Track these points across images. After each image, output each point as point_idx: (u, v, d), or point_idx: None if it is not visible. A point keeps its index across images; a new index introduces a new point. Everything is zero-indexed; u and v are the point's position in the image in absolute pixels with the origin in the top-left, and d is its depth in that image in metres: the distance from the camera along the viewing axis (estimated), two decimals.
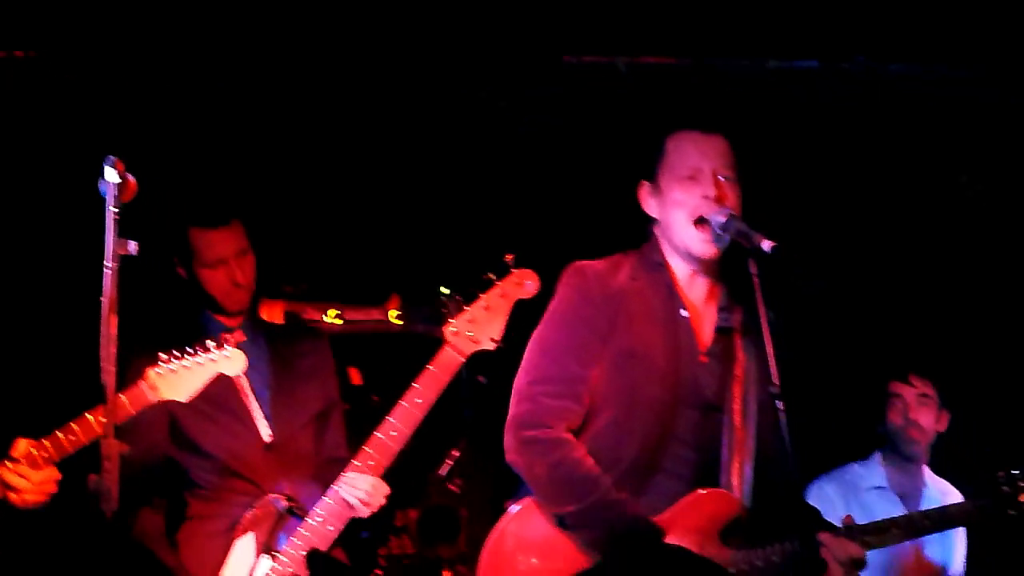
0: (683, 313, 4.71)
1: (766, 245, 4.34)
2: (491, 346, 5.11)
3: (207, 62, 6.30)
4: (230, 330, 5.37)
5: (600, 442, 4.57)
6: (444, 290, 5.20)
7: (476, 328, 5.12)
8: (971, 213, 6.86)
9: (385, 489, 5.16)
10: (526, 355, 4.71)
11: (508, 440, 4.60)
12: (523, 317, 5.06)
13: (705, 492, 4.59)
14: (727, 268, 4.73)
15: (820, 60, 6.43)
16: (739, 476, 4.62)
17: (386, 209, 7.13)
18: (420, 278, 6.61)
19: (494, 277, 5.12)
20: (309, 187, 6.96)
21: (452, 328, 5.10)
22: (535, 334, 4.72)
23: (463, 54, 6.25)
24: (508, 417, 4.62)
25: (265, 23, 6.14)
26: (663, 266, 4.71)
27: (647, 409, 4.56)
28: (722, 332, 4.74)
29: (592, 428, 4.60)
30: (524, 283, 5.12)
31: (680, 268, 4.73)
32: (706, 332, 4.74)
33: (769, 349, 4.30)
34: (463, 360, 5.11)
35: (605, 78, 6.48)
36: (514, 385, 4.69)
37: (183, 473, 5.42)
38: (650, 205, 4.77)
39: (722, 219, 4.54)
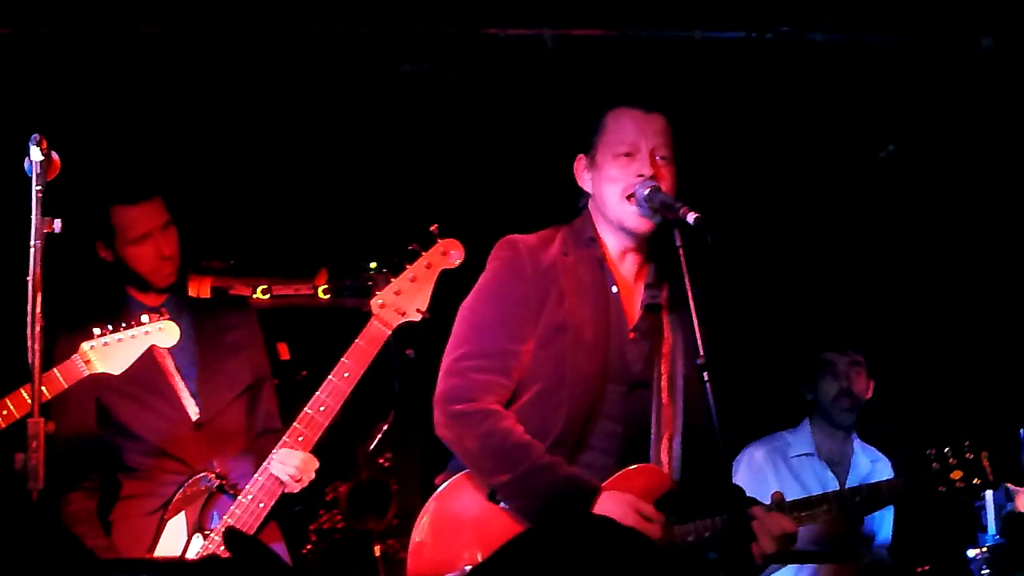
0: (613, 290, 4.72)
1: (690, 217, 4.32)
2: (417, 317, 5.09)
3: (123, 38, 6.28)
4: (154, 310, 5.36)
5: (527, 415, 4.55)
6: (372, 264, 5.41)
7: (402, 300, 5.09)
8: (895, 182, 6.93)
9: (315, 464, 5.18)
10: (455, 329, 4.68)
11: (437, 415, 4.56)
12: (449, 287, 5.05)
13: (635, 468, 4.58)
14: (656, 245, 4.73)
15: (746, 30, 6.47)
16: (668, 452, 4.62)
17: (313, 182, 7.11)
18: (348, 251, 6.75)
19: (419, 248, 5.08)
20: (234, 161, 6.93)
21: (378, 300, 5.08)
22: (464, 308, 4.70)
23: (383, 26, 6.27)
24: (436, 392, 4.60)
25: None
26: (595, 241, 4.70)
27: (574, 383, 4.54)
28: (650, 309, 4.74)
29: (520, 401, 4.59)
30: (449, 253, 5.08)
31: (612, 244, 4.73)
32: (635, 309, 4.73)
33: (695, 321, 4.27)
34: (390, 332, 5.10)
35: (530, 51, 6.49)
36: (443, 360, 4.66)
37: (114, 454, 5.42)
38: (585, 179, 4.78)
39: (645, 191, 4.54)
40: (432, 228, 5.02)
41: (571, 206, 4.87)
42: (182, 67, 6.44)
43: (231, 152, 6.82)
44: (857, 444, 6.59)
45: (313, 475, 5.21)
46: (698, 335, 4.24)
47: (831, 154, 7.00)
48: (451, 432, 4.54)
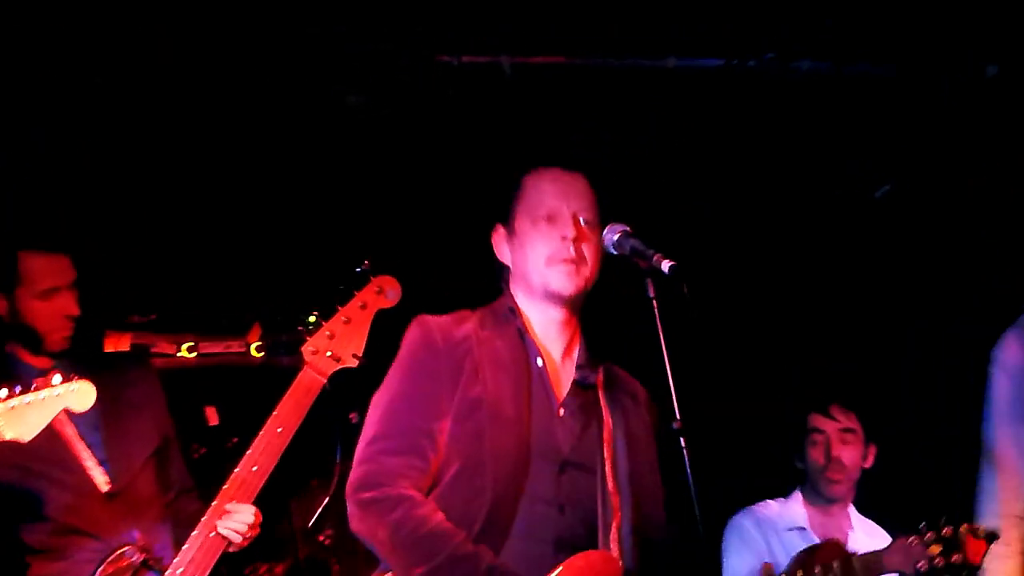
0: (538, 362, 4.54)
1: (664, 265, 4.14)
2: (354, 363, 5.01)
3: (37, 80, 6.03)
4: (42, 372, 4.96)
5: (448, 500, 4.34)
6: (311, 318, 5.02)
7: (336, 345, 5.01)
8: (889, 223, 6.74)
9: (259, 516, 5.03)
10: (367, 417, 4.50)
11: (349, 507, 4.35)
12: (387, 329, 4.90)
13: (580, 555, 4.37)
14: (587, 322, 4.61)
15: (725, 58, 6.22)
16: (617, 540, 4.42)
17: (244, 226, 6.87)
18: (284, 303, 6.51)
19: (351, 288, 5.01)
20: (155, 205, 6.65)
21: (310, 347, 4.98)
22: (376, 394, 4.50)
23: (324, 53, 6.04)
24: (347, 484, 4.38)
25: (100, 39, 5.92)
26: (515, 312, 4.56)
27: (495, 462, 4.34)
28: (581, 386, 4.57)
29: (440, 485, 4.38)
30: (385, 291, 5.02)
31: (537, 317, 4.57)
32: (563, 385, 4.55)
33: (671, 381, 4.08)
34: (324, 381, 5.01)
35: (487, 80, 6.23)
36: (355, 451, 4.47)
37: (17, 537, 5.15)
38: (503, 252, 4.64)
39: (614, 236, 4.38)
40: (365, 264, 4.97)
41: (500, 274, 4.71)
42: (105, 113, 6.24)
43: (150, 195, 6.58)
44: (855, 518, 6.25)
45: (258, 529, 5.05)
46: (674, 397, 4.08)
47: (819, 195, 6.82)
48: (363, 524, 4.33)
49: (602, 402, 4.56)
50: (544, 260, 4.49)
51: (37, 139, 6.24)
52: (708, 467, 4.08)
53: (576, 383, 4.56)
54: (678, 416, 4.07)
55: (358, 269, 4.97)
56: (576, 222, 4.48)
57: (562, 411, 4.50)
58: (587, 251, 4.47)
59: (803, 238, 6.98)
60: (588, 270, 4.48)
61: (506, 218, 4.62)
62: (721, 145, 6.57)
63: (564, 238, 4.45)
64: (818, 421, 6.19)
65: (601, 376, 4.60)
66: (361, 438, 4.46)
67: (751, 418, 6.89)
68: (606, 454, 4.47)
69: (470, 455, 4.35)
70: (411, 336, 4.52)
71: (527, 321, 4.55)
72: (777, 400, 6.76)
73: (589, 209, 4.54)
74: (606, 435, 4.50)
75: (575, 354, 4.60)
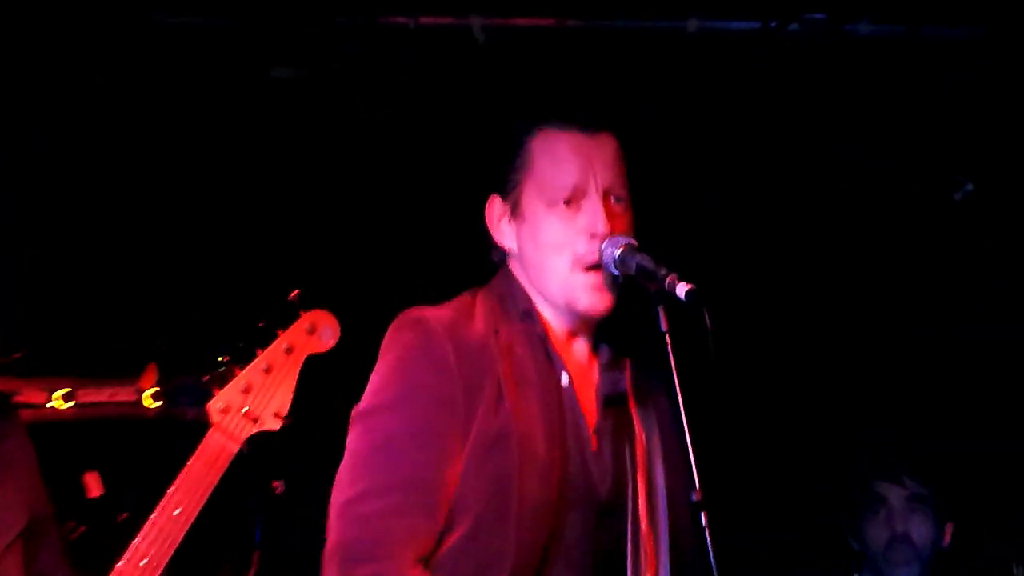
0: (564, 380, 4.00)
1: (680, 289, 3.65)
2: (276, 425, 4.50)
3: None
4: None
5: (457, 563, 3.82)
6: (222, 358, 4.52)
7: (254, 401, 4.49)
8: (967, 226, 6.00)
9: None
10: (348, 452, 3.89)
11: None
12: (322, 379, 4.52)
13: None
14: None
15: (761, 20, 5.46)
16: None
17: (132, 238, 6.13)
18: (188, 338, 5.92)
19: (274, 326, 4.54)
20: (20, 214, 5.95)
21: (219, 403, 4.47)
22: (359, 419, 3.87)
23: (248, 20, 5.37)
24: (328, 545, 3.80)
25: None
26: (533, 316, 4.02)
27: (522, 516, 3.83)
28: (612, 402, 4.06)
29: (446, 544, 3.84)
30: (318, 330, 4.57)
31: (555, 322, 4.06)
32: (592, 404, 4.05)
33: (688, 440, 3.56)
34: (238, 448, 4.51)
35: (453, 47, 5.46)
36: (333, 497, 3.87)
37: None
38: (503, 232, 4.09)
39: (616, 251, 3.85)
40: (292, 296, 4.51)
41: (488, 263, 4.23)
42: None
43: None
44: None
45: None
46: (692, 458, 3.56)
47: (885, 194, 5.96)
48: None
49: (634, 415, 4.11)
50: (569, 264, 3.95)
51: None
52: (736, 545, 3.62)
53: (605, 398, 4.07)
54: (697, 485, 3.57)
55: (287, 300, 4.50)
56: (608, 204, 3.93)
57: (595, 442, 4.03)
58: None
59: (854, 244, 6.19)
60: None
61: (503, 189, 4.07)
62: (752, 131, 5.85)
63: (594, 236, 3.90)
64: (881, 487, 5.50)
65: (629, 375, 4.13)
66: (341, 481, 3.89)
67: (788, 484, 6.20)
68: (639, 485, 4.06)
69: (488, 507, 3.85)
70: (407, 341, 3.93)
71: (548, 326, 4.06)
72: (826, 460, 6.03)
73: (621, 182, 3.98)
74: (639, 457, 4.10)
75: (598, 355, 4.13)
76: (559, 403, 3.99)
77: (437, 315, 3.94)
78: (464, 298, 4.05)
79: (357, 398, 3.97)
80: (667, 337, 3.66)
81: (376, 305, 4.12)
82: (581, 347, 4.09)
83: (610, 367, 4.12)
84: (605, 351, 4.12)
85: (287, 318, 4.54)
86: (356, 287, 4.64)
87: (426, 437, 3.84)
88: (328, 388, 4.40)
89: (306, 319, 4.54)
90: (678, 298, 3.67)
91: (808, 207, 6.19)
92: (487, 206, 4.07)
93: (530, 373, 3.98)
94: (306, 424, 4.56)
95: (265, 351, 4.50)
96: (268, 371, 4.49)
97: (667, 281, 3.69)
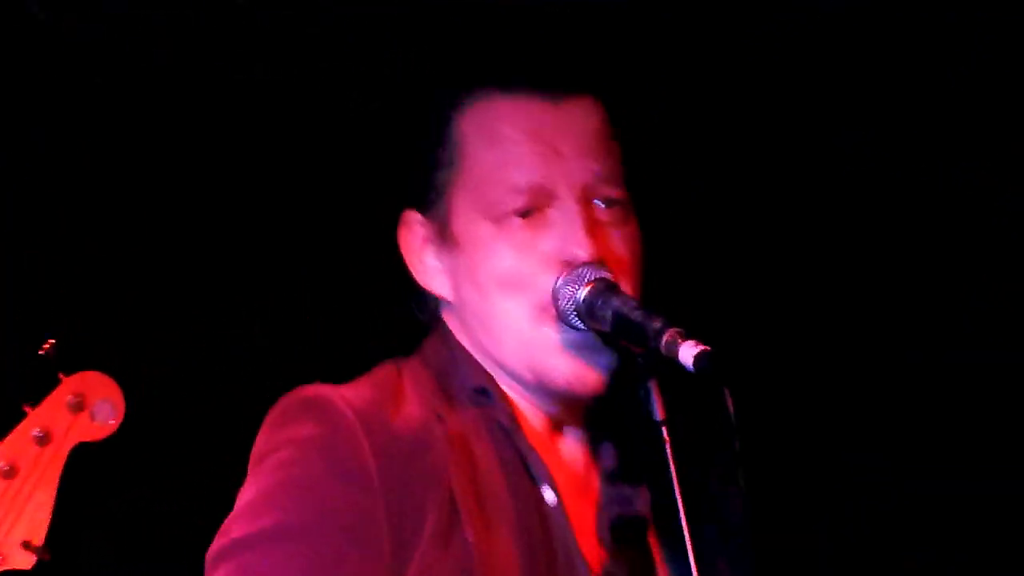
0: (549, 497, 2.90)
1: (685, 352, 2.57)
2: (25, 561, 3.32)
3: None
4: None
5: None
6: None
7: None
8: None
9: None
10: None
11: None
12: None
13: None
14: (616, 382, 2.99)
15: None
16: None
17: None
18: None
19: (18, 400, 3.39)
20: None
21: None
22: (219, 566, 2.77)
23: None
24: None
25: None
26: (489, 394, 2.93)
27: None
28: (623, 531, 2.93)
29: None
30: (88, 404, 3.36)
31: (524, 397, 2.95)
32: (592, 534, 2.94)
33: (692, 566, 2.65)
34: None
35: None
36: None
37: None
38: (429, 271, 2.95)
39: (580, 292, 2.77)
40: (44, 348, 3.35)
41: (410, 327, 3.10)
42: None
43: None
44: None
45: None
46: None
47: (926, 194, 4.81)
48: None
49: (656, 554, 3.10)
50: (530, 313, 2.87)
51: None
52: None
53: (615, 525, 3.01)
54: None
55: (40, 353, 3.35)
56: (591, 210, 2.87)
57: None
58: (620, 273, 2.88)
59: (904, 260, 4.93)
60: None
61: (422, 199, 2.99)
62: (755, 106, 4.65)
63: (570, 264, 2.84)
64: None
65: (646, 491, 3.07)
66: None
67: None
68: None
69: None
70: (299, 436, 2.88)
71: (519, 411, 3.01)
72: None
73: (611, 175, 2.88)
74: None
75: (599, 456, 3.08)
76: (544, 532, 2.94)
77: (346, 395, 2.85)
78: (384, 371, 2.97)
79: (184, 525, 3.23)
80: (664, 431, 2.67)
81: (205, 370, 3.32)
82: (572, 443, 3.03)
83: (618, 475, 3.06)
84: (609, 450, 3.02)
85: (39, 386, 3.35)
86: (169, 337, 3.56)
87: None
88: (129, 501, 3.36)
89: (68, 386, 3.33)
90: (682, 366, 2.64)
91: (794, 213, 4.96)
92: (400, 229, 2.95)
93: (497, 483, 2.93)
94: (86, 561, 3.47)
95: (5, 440, 3.29)
96: (10, 475, 3.27)
97: (664, 340, 2.64)
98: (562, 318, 2.78)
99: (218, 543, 2.79)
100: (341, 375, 2.92)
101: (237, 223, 4.43)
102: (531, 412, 2.93)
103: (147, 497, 3.30)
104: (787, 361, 4.84)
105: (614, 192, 2.83)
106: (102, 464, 3.43)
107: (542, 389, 2.86)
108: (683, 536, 2.80)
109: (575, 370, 2.78)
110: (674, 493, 2.63)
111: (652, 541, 2.98)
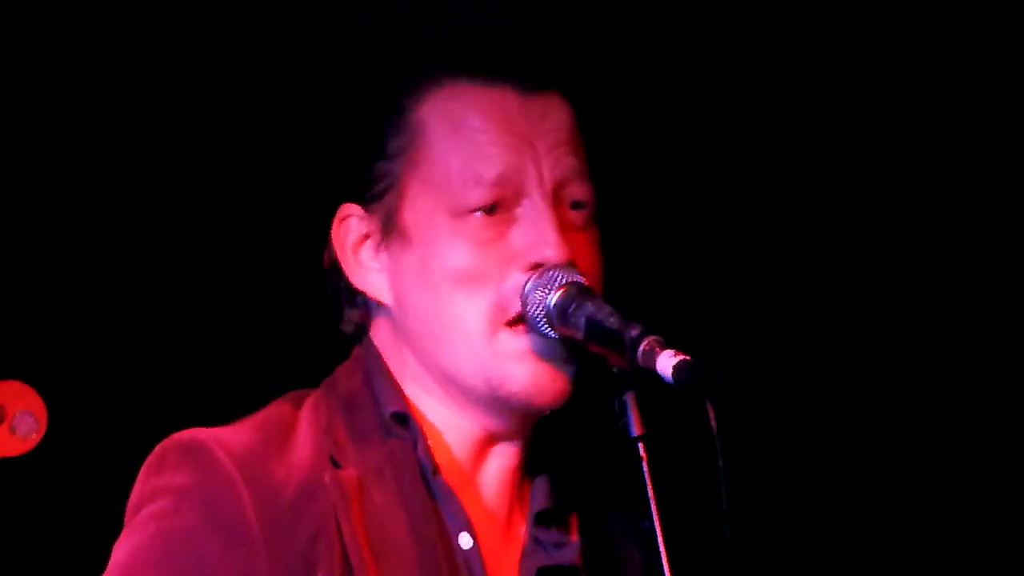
0: (464, 541, 2.78)
1: (664, 363, 2.50)
2: None
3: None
4: None
5: None
6: None
7: None
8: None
9: None
10: None
11: None
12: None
13: None
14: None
15: None
16: None
17: None
18: None
19: None
20: None
21: None
22: None
23: None
24: None
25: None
26: (407, 422, 2.80)
27: None
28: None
29: None
30: (10, 417, 3.33)
31: (454, 426, 2.84)
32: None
33: None
34: None
35: None
36: None
37: None
38: (367, 271, 2.85)
39: (552, 297, 2.70)
40: None
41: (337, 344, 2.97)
42: None
43: None
44: None
45: None
46: None
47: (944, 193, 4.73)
48: None
49: None
50: (489, 316, 2.79)
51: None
52: None
53: (540, 573, 2.92)
54: None
55: None
56: (562, 211, 2.82)
57: None
58: (589, 279, 2.83)
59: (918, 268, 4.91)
60: None
61: (364, 192, 2.87)
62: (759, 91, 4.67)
63: (538, 266, 2.77)
64: None
65: (578, 540, 2.94)
66: None
67: None
68: None
69: None
70: (174, 486, 2.76)
71: (431, 440, 2.87)
72: None
73: (581, 176, 2.86)
74: None
75: (531, 493, 2.95)
76: None
77: (225, 440, 2.75)
78: (279, 409, 2.85)
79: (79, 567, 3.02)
80: (641, 448, 2.58)
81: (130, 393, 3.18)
82: (501, 473, 2.92)
83: (547, 518, 2.92)
84: (542, 485, 2.90)
85: None
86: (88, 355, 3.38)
87: None
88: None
89: None
90: (661, 378, 2.56)
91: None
92: (335, 226, 2.85)
93: (398, 532, 2.81)
94: None
95: None
96: None
97: (641, 349, 2.58)
98: (530, 323, 2.70)
99: None
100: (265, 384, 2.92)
101: (159, 218, 4.30)
102: (459, 435, 2.85)
103: (67, 523, 3.11)
104: (773, 373, 4.71)
105: (584, 193, 2.79)
106: (20, 482, 3.27)
107: (494, 401, 2.77)
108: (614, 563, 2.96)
109: (536, 378, 2.69)
110: (652, 516, 2.52)
111: None
